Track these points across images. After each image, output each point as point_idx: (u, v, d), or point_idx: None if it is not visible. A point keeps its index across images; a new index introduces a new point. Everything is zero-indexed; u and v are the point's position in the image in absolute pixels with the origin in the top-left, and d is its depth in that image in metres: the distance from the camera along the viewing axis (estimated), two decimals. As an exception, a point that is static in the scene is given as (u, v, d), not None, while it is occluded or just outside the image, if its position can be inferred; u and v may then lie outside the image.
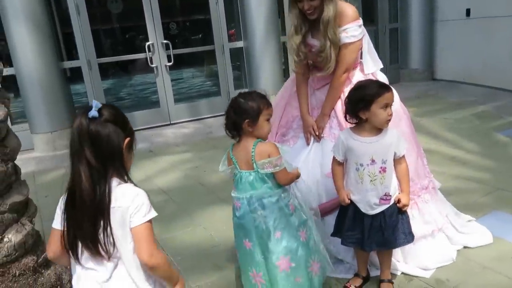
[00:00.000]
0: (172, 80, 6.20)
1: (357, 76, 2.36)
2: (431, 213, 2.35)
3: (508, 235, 2.45)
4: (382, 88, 1.85)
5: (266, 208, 1.80)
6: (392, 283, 2.09)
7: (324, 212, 2.24)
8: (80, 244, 1.28)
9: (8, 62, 5.23)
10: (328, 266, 1.97)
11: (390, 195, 1.91)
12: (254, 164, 1.77)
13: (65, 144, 5.29)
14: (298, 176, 1.90)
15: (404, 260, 2.24)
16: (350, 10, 2.25)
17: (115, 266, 1.30)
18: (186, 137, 5.44)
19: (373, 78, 2.29)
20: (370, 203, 1.92)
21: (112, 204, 1.25)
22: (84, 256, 1.29)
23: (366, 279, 2.14)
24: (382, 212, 1.92)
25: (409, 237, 1.97)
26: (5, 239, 1.67)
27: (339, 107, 2.34)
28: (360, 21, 2.28)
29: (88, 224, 1.25)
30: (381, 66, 2.48)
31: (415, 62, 7.57)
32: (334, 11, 2.18)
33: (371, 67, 2.41)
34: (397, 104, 2.26)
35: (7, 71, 5.04)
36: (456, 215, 2.55)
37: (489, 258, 2.26)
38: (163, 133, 5.81)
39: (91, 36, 5.64)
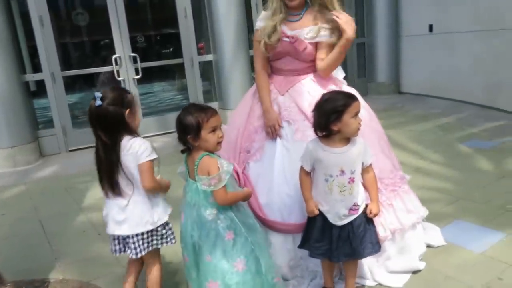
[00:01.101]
0: (140, 94, 6.10)
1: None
2: (413, 201, 2.37)
3: (468, 244, 2.49)
4: (350, 98, 1.86)
5: (202, 227, 1.81)
6: (357, 294, 2.07)
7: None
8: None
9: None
10: None
11: (359, 205, 1.90)
12: (196, 177, 1.79)
13: (27, 159, 5.16)
14: (245, 197, 1.90)
15: (373, 268, 2.21)
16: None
17: (131, 195, 1.91)
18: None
19: (336, 88, 2.29)
20: (339, 214, 1.90)
21: (126, 152, 1.87)
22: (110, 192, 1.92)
23: (333, 290, 2.11)
24: (350, 222, 1.90)
25: (376, 247, 1.96)
26: None
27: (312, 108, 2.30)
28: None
29: (105, 175, 1.89)
30: (343, 75, 2.49)
31: (381, 76, 7.76)
32: None
33: (340, 74, 2.45)
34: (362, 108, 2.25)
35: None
36: None
37: (452, 266, 2.28)
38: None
39: (55, 48, 5.51)
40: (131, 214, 1.91)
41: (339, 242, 1.91)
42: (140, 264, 2.14)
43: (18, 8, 5.95)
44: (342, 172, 1.87)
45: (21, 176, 4.79)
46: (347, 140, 1.89)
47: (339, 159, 1.87)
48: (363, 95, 1.97)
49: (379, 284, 2.18)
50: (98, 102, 1.83)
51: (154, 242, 1.99)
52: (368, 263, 2.18)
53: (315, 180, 1.96)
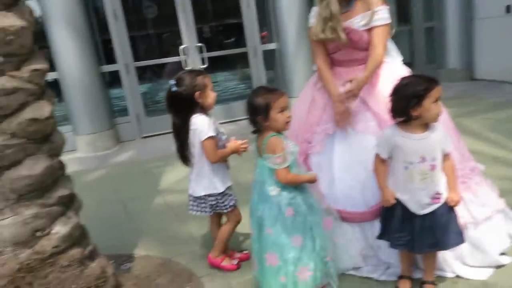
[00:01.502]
0: (206, 83, 6.28)
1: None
2: (487, 194, 2.26)
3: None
4: (432, 82, 1.78)
5: (266, 202, 1.94)
6: (436, 284, 2.01)
7: (373, 215, 2.15)
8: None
9: (52, 68, 5.46)
10: (327, 279, 2.00)
11: (441, 193, 1.85)
12: (263, 155, 1.92)
13: (105, 145, 5.52)
14: (308, 181, 1.98)
15: (454, 260, 2.13)
16: None
17: (195, 165, 2.24)
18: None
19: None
20: (420, 203, 1.85)
21: (192, 128, 2.15)
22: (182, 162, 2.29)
23: (412, 280, 2.06)
24: (433, 212, 1.85)
25: (460, 238, 1.90)
26: (53, 231, 1.73)
27: (374, 98, 2.25)
28: (388, 7, 2.25)
29: (178, 149, 2.25)
30: (400, 58, 2.42)
31: (452, 62, 7.34)
32: None
33: (397, 57, 2.38)
34: None
35: (50, 76, 5.24)
36: None
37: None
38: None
39: (128, 40, 5.81)
40: (195, 180, 2.27)
41: (421, 232, 1.86)
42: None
43: (92, 3, 6.31)
44: (423, 159, 1.82)
45: (101, 160, 5.14)
46: (426, 126, 1.83)
47: (419, 146, 1.82)
48: None
49: (458, 276, 2.10)
50: (173, 88, 2.12)
51: (207, 208, 2.28)
52: (444, 255, 2.11)
53: (392, 168, 1.92)
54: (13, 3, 1.60)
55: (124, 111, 6.13)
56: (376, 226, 2.12)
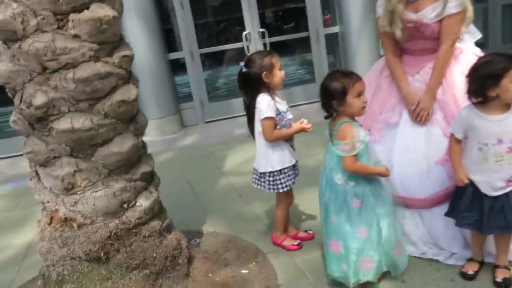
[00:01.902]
0: (267, 68, 6.35)
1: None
2: None
3: None
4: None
5: (332, 189, 1.94)
6: (509, 269, 1.96)
7: (431, 203, 2.15)
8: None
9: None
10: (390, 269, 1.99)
11: None
12: (334, 141, 1.91)
13: (172, 129, 5.79)
14: (377, 174, 1.92)
15: None
16: None
17: (256, 143, 2.38)
18: (282, 123, 5.56)
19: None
20: (493, 185, 1.81)
21: (256, 106, 2.25)
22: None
23: (482, 264, 2.03)
24: (506, 193, 1.80)
25: None
26: (137, 204, 1.91)
27: (442, 90, 2.19)
28: None
29: (248, 124, 2.40)
30: (479, 36, 2.30)
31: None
32: None
33: (476, 35, 2.29)
34: None
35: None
36: None
37: None
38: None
39: (193, 29, 6.00)
40: (257, 156, 2.39)
41: (491, 213, 1.83)
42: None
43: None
44: (500, 141, 1.77)
45: (168, 144, 5.42)
46: (507, 106, 1.77)
47: (497, 127, 1.77)
48: None
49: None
50: (244, 69, 2.25)
51: (265, 184, 2.37)
52: None
53: (467, 149, 1.89)
54: (106, -6, 1.76)
55: (187, 97, 6.39)
56: (436, 216, 2.12)
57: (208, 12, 7.14)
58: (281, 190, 2.34)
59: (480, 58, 1.82)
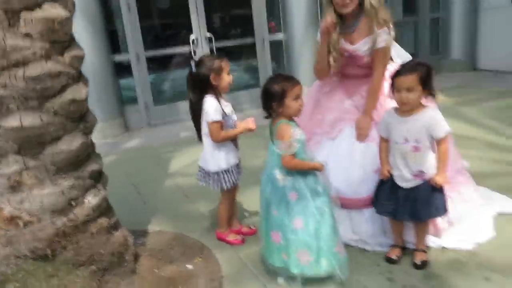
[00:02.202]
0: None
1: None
2: (468, 193, 2.49)
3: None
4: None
5: (272, 184, 2.10)
6: (426, 252, 2.23)
7: (366, 203, 2.38)
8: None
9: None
10: (336, 270, 2.07)
11: (424, 172, 2.05)
12: (274, 141, 2.07)
13: (114, 132, 5.70)
14: (313, 168, 2.08)
15: (444, 234, 2.36)
16: (386, 14, 2.35)
17: (204, 142, 2.46)
18: (228, 126, 5.68)
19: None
20: (403, 177, 2.08)
21: (203, 108, 2.36)
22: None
23: (403, 249, 2.29)
24: (417, 187, 2.07)
25: (441, 211, 2.11)
26: (85, 201, 1.95)
27: (376, 110, 2.46)
28: (390, 26, 2.39)
29: (194, 124, 2.49)
30: (408, 57, 2.54)
31: (456, 52, 7.48)
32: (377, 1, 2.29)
33: (404, 55, 2.56)
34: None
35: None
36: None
37: (523, 234, 2.36)
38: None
39: (140, 31, 5.98)
40: (203, 153, 2.50)
41: (404, 203, 2.10)
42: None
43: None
44: (406, 140, 2.04)
45: (111, 147, 5.36)
46: (417, 110, 2.03)
47: (403, 128, 2.04)
48: (436, 73, 2.06)
49: (444, 248, 2.32)
50: (193, 69, 2.35)
51: (209, 181, 2.49)
52: (432, 228, 2.32)
53: (390, 146, 2.16)
54: (59, -6, 1.80)
55: (132, 100, 6.34)
56: (364, 221, 2.40)
57: (155, 14, 7.12)
58: (225, 187, 2.46)
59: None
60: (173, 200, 3.47)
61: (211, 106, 2.33)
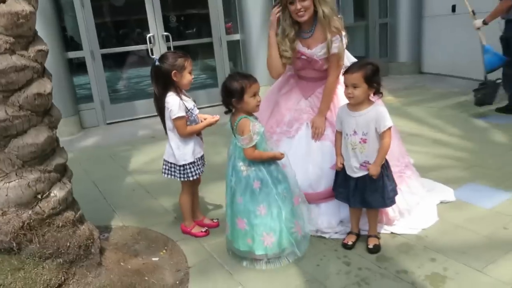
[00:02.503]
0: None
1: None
2: (415, 185, 2.71)
3: (479, 201, 2.81)
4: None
5: (237, 175, 2.24)
6: (379, 238, 2.42)
7: (324, 196, 2.57)
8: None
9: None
10: (293, 248, 2.27)
11: (370, 164, 2.22)
12: (236, 135, 2.20)
13: (70, 131, 5.58)
14: (273, 158, 2.24)
15: (394, 222, 2.57)
16: (338, 23, 2.51)
17: (169, 137, 2.50)
18: (187, 124, 5.72)
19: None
20: (352, 167, 2.26)
21: (166, 105, 2.41)
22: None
23: (358, 236, 2.46)
24: (365, 177, 2.25)
25: (387, 202, 2.29)
26: (52, 194, 1.95)
27: (331, 111, 2.63)
28: (344, 32, 2.56)
29: (159, 116, 2.53)
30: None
31: (403, 56, 7.93)
32: (329, 9, 2.45)
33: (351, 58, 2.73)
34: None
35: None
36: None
37: (463, 219, 2.61)
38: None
39: (94, 28, 5.88)
40: (167, 146, 2.56)
41: (355, 191, 2.29)
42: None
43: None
44: (355, 132, 2.23)
45: (66, 145, 5.09)
46: (364, 105, 2.21)
47: (353, 121, 2.23)
48: (384, 74, 2.26)
49: (394, 233, 2.52)
50: (157, 63, 2.39)
51: (176, 174, 2.56)
52: (382, 216, 2.52)
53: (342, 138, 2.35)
54: (22, -10, 1.80)
55: (87, 98, 6.21)
56: (321, 215, 2.57)
57: (111, 12, 7.01)
58: (191, 178, 2.55)
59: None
60: (135, 196, 3.48)
61: (174, 103, 2.40)
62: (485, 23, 4.72)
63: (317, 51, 2.56)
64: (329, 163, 2.55)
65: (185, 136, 2.47)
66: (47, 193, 1.93)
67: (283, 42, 2.59)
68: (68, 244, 2.02)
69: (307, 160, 2.60)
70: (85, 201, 3.35)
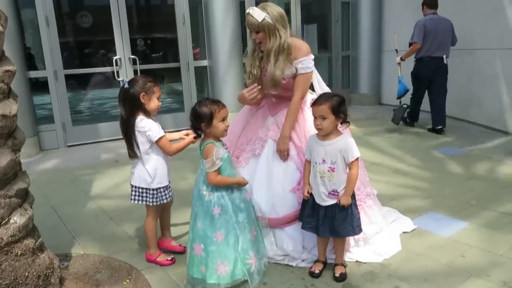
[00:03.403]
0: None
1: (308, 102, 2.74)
2: (375, 215, 2.77)
3: (438, 230, 2.92)
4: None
5: (199, 199, 2.26)
6: (345, 266, 2.46)
7: (284, 222, 2.58)
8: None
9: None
10: (246, 276, 2.24)
11: (338, 192, 2.28)
12: (202, 159, 2.24)
13: (28, 152, 5.36)
14: (237, 184, 2.26)
15: (358, 250, 2.61)
16: (304, 46, 2.65)
17: (139, 159, 2.49)
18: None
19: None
20: (321, 195, 2.31)
21: (136, 128, 2.41)
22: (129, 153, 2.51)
23: (325, 264, 2.48)
24: (334, 206, 2.29)
25: (356, 230, 2.34)
26: (11, 221, 1.85)
27: (296, 132, 2.68)
28: (312, 56, 2.67)
29: (125, 141, 2.49)
30: (328, 90, 2.84)
31: (364, 87, 8.27)
32: (277, 45, 2.56)
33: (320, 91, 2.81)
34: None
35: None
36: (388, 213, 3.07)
37: (423, 247, 2.69)
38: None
39: (59, 48, 5.76)
40: (136, 171, 2.53)
41: (324, 220, 2.32)
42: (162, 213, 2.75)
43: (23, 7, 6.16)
44: (324, 161, 2.29)
45: (24, 168, 4.97)
46: (332, 135, 2.29)
47: (322, 150, 2.30)
48: (346, 105, 2.37)
49: (359, 262, 2.57)
50: (126, 86, 2.41)
51: (148, 198, 2.53)
52: (348, 245, 2.56)
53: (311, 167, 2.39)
54: (-10, 10, 1.76)
55: (47, 119, 6.01)
56: (286, 237, 2.57)
57: (77, 32, 6.89)
58: (165, 201, 2.56)
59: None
60: (97, 222, 3.36)
61: (151, 126, 2.42)
62: (402, 59, 6.12)
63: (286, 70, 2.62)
64: (291, 184, 2.58)
65: (172, 154, 2.50)
66: (6, 219, 1.84)
67: (251, 59, 2.70)
68: (26, 274, 1.91)
69: (270, 180, 2.63)
70: (44, 228, 3.21)
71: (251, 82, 2.74)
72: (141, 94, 2.39)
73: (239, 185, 2.28)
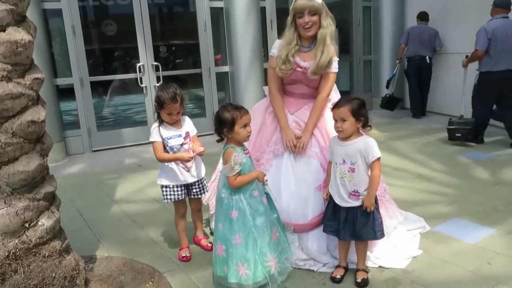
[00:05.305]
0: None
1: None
2: (393, 209, 2.75)
3: (464, 236, 2.85)
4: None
5: (219, 201, 2.30)
6: (367, 271, 2.42)
7: (310, 227, 2.56)
8: None
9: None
10: (267, 280, 2.23)
11: (359, 193, 2.27)
12: (222, 163, 2.29)
13: (54, 157, 5.51)
14: (253, 178, 2.24)
15: (381, 255, 2.58)
16: (333, 48, 2.65)
17: None
18: (174, 153, 5.71)
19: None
20: (341, 197, 2.30)
21: None
22: None
23: (346, 269, 2.46)
24: (356, 209, 2.28)
25: (378, 234, 2.32)
26: (39, 223, 1.92)
27: (319, 130, 2.69)
28: (337, 58, 2.68)
29: None
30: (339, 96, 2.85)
31: (386, 92, 8.14)
32: (332, 29, 2.58)
33: (335, 96, 2.80)
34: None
35: None
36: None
37: (448, 254, 2.64)
38: (151, 149, 6.03)
39: (85, 56, 5.92)
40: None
41: (345, 223, 2.31)
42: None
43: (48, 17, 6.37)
44: (344, 161, 2.29)
45: (51, 172, 5.12)
46: (353, 137, 2.28)
47: (342, 150, 2.30)
48: (368, 109, 2.35)
49: (381, 267, 2.53)
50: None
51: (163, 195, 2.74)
52: (371, 249, 2.54)
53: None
54: (22, 19, 1.84)
55: (73, 125, 6.17)
56: (311, 236, 2.55)
57: (101, 40, 7.07)
58: (164, 201, 2.74)
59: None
60: (121, 226, 3.43)
61: (153, 128, 2.64)
62: (398, 60, 7.42)
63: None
64: (316, 182, 2.57)
65: (159, 160, 2.65)
66: (34, 221, 1.90)
67: (287, 48, 2.64)
68: (53, 275, 1.97)
69: (295, 179, 2.61)
70: (70, 230, 3.29)
71: (284, 72, 2.67)
72: (155, 104, 2.59)
73: (259, 180, 2.26)
